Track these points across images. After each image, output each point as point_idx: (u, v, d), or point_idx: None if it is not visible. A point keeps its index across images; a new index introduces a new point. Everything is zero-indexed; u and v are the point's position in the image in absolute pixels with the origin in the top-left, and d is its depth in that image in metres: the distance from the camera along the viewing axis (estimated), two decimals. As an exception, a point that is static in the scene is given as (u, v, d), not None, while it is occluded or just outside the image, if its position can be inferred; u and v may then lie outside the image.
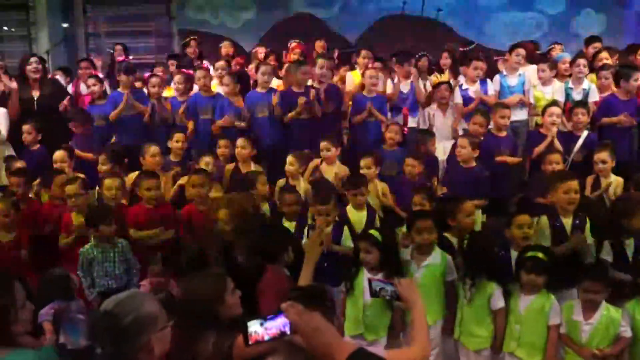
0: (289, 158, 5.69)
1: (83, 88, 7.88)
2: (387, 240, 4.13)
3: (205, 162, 5.79)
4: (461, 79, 7.43)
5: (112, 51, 9.07)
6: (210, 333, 2.72)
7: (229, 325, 2.82)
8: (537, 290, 3.91)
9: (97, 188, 5.64)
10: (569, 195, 4.53)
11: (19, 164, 5.99)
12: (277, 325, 1.95)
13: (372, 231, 4.19)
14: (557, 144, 5.92)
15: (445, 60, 7.67)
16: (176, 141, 6.17)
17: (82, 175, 5.60)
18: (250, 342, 1.96)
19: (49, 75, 7.69)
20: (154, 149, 5.83)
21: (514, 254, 4.18)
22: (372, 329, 4.09)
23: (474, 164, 5.59)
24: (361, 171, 5.54)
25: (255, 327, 1.95)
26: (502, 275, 4.04)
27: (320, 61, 6.64)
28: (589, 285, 3.82)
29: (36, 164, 6.13)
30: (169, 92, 7.12)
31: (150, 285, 4.33)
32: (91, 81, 6.98)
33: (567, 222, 4.54)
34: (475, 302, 4.01)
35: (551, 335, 3.90)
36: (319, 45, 8.16)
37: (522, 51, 7.09)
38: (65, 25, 10.48)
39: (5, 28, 10.22)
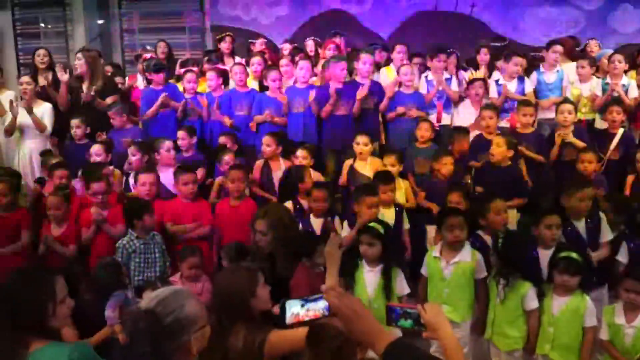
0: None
1: (139, 83, 8.01)
2: (389, 233, 4.13)
3: (226, 160, 5.84)
4: (495, 75, 7.37)
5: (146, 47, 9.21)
6: (241, 327, 2.74)
7: (259, 319, 2.85)
8: (571, 291, 3.85)
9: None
10: (584, 203, 4.50)
11: (57, 158, 6.10)
12: (317, 307, 1.95)
13: (373, 224, 4.15)
14: (572, 139, 5.86)
15: (484, 56, 7.57)
16: (182, 138, 6.24)
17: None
18: (288, 322, 1.96)
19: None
20: (168, 143, 5.93)
21: (541, 253, 4.14)
22: (383, 322, 4.06)
23: (508, 162, 5.55)
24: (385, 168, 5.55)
25: (295, 309, 1.96)
26: (534, 275, 4.00)
27: (363, 56, 6.61)
28: (630, 285, 3.73)
29: (81, 157, 6.21)
30: (203, 88, 7.16)
31: (182, 279, 4.39)
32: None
33: (580, 225, 4.53)
34: (508, 302, 3.97)
35: (587, 337, 3.82)
36: (337, 41, 8.13)
37: (560, 48, 7.01)
38: (100, 21, 10.61)
39: (43, 25, 10.38)
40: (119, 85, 7.66)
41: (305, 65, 6.64)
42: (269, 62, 7.57)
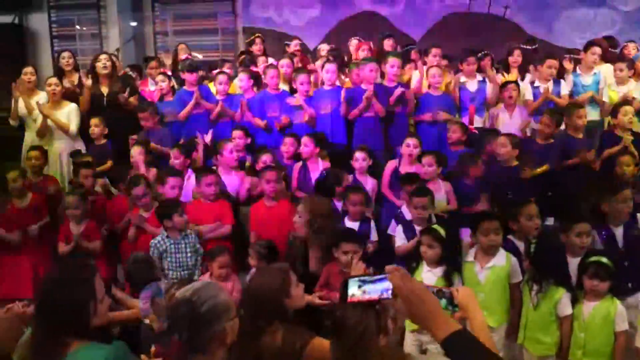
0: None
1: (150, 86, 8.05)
2: (450, 236, 4.10)
3: (264, 160, 5.86)
4: (528, 77, 7.29)
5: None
6: (277, 327, 2.76)
7: (295, 319, 2.89)
8: (601, 296, 3.78)
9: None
10: (625, 205, 4.45)
11: (87, 157, 6.20)
12: (376, 289, 1.90)
13: (435, 226, 4.17)
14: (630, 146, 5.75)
15: (517, 58, 7.48)
16: (238, 138, 6.27)
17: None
18: (348, 301, 1.93)
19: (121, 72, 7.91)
20: (230, 145, 5.95)
21: (569, 260, 4.06)
22: None
23: (515, 163, 5.49)
24: (422, 169, 5.52)
25: (352, 289, 1.92)
26: (567, 281, 3.93)
27: (391, 59, 6.58)
28: None
29: (100, 157, 6.33)
30: (234, 90, 7.20)
31: (212, 279, 4.41)
32: (160, 78, 7.13)
33: (618, 231, 4.46)
34: (542, 308, 3.91)
35: (618, 342, 3.76)
36: (388, 43, 8.08)
37: (597, 49, 6.90)
38: (134, 23, 10.73)
39: (78, 27, 10.53)
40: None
41: (332, 67, 6.64)
42: (299, 65, 7.57)
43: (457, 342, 1.76)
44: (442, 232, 4.07)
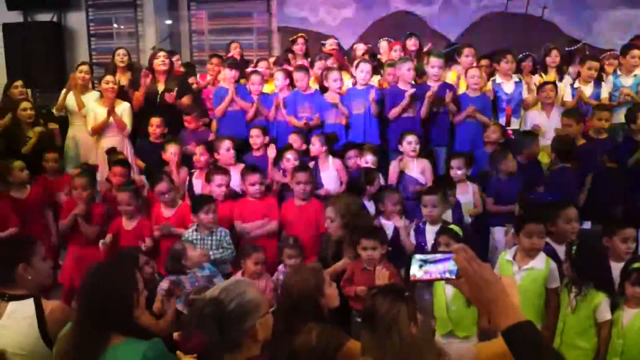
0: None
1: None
2: (468, 235, 4.06)
3: (287, 157, 5.88)
4: (567, 78, 7.18)
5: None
6: (313, 326, 2.77)
7: (329, 318, 2.91)
8: (643, 304, 3.69)
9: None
10: None
11: (122, 155, 6.27)
12: (438, 269, 1.84)
13: (452, 226, 4.14)
14: None
15: (555, 58, 7.38)
16: (255, 137, 6.31)
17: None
18: (410, 280, 1.89)
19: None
20: (227, 143, 5.99)
21: (612, 265, 3.98)
22: (462, 325, 4.00)
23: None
24: (451, 171, 5.50)
25: (413, 268, 1.87)
26: (608, 286, 3.85)
27: (432, 59, 6.54)
28: None
29: (157, 155, 6.36)
30: (270, 88, 7.21)
31: (244, 276, 4.42)
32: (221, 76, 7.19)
33: None
34: (580, 312, 3.84)
35: (657, 351, 3.66)
36: (410, 43, 8.05)
37: (637, 52, 6.76)
38: (170, 22, 10.82)
39: (115, 25, 10.65)
40: (193, 86, 7.78)
41: (367, 67, 6.61)
42: (334, 65, 7.56)
43: (520, 334, 1.70)
44: (459, 231, 4.04)
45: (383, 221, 5.05)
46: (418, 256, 1.88)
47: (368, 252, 4.05)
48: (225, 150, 5.97)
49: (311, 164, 5.97)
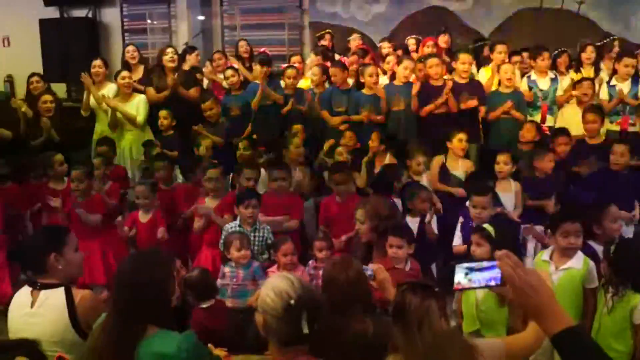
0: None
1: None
2: (501, 235, 4.00)
3: (340, 152, 5.95)
4: (602, 75, 7.07)
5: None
6: (362, 315, 2.79)
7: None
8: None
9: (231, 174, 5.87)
10: None
11: (158, 148, 6.33)
12: (483, 277, 1.83)
13: (485, 225, 4.08)
14: None
15: (590, 55, 7.26)
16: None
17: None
18: (454, 288, 1.89)
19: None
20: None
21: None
22: (489, 325, 3.94)
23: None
24: (497, 167, 5.44)
25: (459, 276, 1.86)
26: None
27: (462, 56, 6.48)
28: None
29: (167, 148, 6.47)
30: (305, 84, 7.22)
31: (280, 269, 4.42)
32: (229, 72, 7.21)
33: None
34: (616, 313, 3.75)
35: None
36: (443, 39, 7.98)
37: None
38: (202, 18, 10.89)
39: (149, 21, 10.76)
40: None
41: (410, 64, 6.58)
42: (368, 61, 7.55)
43: (569, 340, 1.68)
44: (491, 231, 3.98)
45: (409, 219, 5.01)
46: (463, 264, 1.87)
47: (393, 249, 4.03)
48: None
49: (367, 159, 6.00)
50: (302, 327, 2.29)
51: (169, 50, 7.45)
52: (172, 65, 7.30)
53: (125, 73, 7.19)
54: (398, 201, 5.20)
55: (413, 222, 4.98)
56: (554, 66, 7.15)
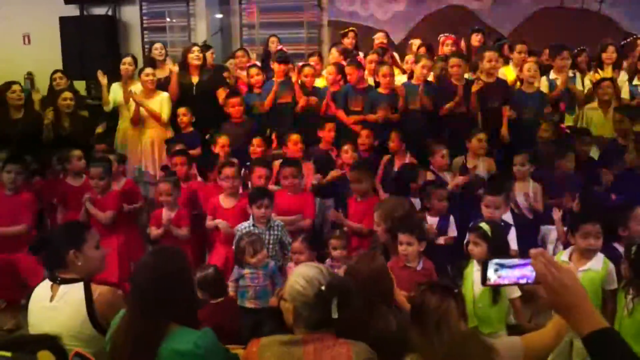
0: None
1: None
2: (497, 234, 3.96)
3: (345, 149, 5.90)
4: (622, 74, 6.99)
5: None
6: (384, 310, 2.80)
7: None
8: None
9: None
10: None
11: (179, 146, 6.35)
12: (513, 274, 1.82)
13: (482, 224, 4.03)
14: None
15: (611, 54, 7.18)
16: (328, 130, 6.29)
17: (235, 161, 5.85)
18: (485, 285, 1.89)
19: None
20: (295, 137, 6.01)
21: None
22: (487, 322, 3.91)
23: None
24: (515, 168, 5.40)
25: (489, 272, 1.85)
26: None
27: (488, 54, 6.45)
28: None
29: (187, 146, 6.43)
30: (322, 82, 7.22)
31: (295, 264, 4.41)
32: (254, 71, 7.21)
33: None
34: (636, 315, 3.69)
35: None
36: (476, 39, 7.90)
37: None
38: (221, 16, 10.92)
39: (168, 19, 10.81)
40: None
41: (428, 64, 6.57)
42: (385, 58, 7.51)
43: (602, 341, 1.65)
44: (488, 229, 3.93)
45: (428, 218, 4.98)
46: (494, 260, 1.86)
47: (403, 246, 4.00)
48: (293, 144, 6.00)
49: (386, 158, 5.98)
50: (332, 312, 2.35)
51: (195, 48, 7.46)
52: (198, 63, 7.32)
53: (149, 70, 7.22)
54: (416, 201, 5.18)
55: (432, 222, 4.96)
56: (573, 65, 7.08)
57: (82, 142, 6.42)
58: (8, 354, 1.77)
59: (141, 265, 2.65)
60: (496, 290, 3.82)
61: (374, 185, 5.56)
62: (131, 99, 7.02)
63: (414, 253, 4.01)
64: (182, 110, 6.91)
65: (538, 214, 5.43)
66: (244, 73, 7.59)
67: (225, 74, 7.82)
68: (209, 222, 5.24)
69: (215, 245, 5.29)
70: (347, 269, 3.09)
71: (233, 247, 4.58)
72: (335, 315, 2.35)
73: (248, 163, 5.96)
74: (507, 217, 4.95)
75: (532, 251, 1.79)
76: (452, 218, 5.08)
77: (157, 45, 7.96)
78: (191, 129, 6.92)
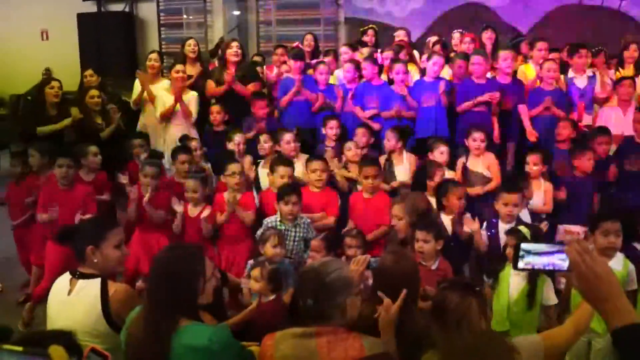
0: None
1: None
2: (537, 237, 3.91)
3: (348, 147, 5.86)
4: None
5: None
6: (411, 307, 2.79)
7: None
8: None
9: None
10: None
11: (194, 142, 6.35)
12: (543, 262, 1.80)
13: (521, 227, 3.98)
14: None
15: (633, 53, 7.09)
16: (330, 128, 6.28)
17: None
18: (517, 268, 1.86)
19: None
20: (288, 135, 5.98)
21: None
22: (519, 327, 3.85)
23: None
24: (526, 167, 5.35)
25: (525, 257, 1.82)
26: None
27: (502, 53, 6.39)
28: None
29: (218, 143, 6.42)
30: (336, 79, 7.19)
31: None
32: (285, 68, 7.18)
33: None
34: (657, 316, 3.67)
35: None
36: (486, 36, 7.84)
37: None
38: (238, 12, 10.93)
39: (185, 16, 10.85)
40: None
41: (440, 60, 6.51)
42: (407, 56, 7.47)
43: (633, 336, 1.58)
44: (527, 233, 3.87)
45: (443, 217, 4.93)
46: (524, 245, 1.83)
47: (420, 243, 3.95)
48: (286, 143, 5.93)
49: (383, 158, 5.90)
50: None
51: (234, 44, 7.34)
52: (236, 59, 7.24)
53: (179, 66, 7.17)
54: (432, 200, 5.13)
55: (448, 220, 4.92)
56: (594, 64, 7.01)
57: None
58: (19, 348, 1.76)
59: (155, 260, 2.65)
60: (532, 296, 3.77)
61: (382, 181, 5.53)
62: (159, 96, 7.02)
63: (430, 251, 3.96)
64: (215, 108, 6.82)
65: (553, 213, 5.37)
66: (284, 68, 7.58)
67: (259, 69, 7.81)
68: (218, 217, 5.21)
69: (220, 244, 5.25)
70: (377, 267, 3.07)
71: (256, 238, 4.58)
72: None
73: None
74: (525, 215, 4.89)
75: (567, 237, 1.76)
76: (467, 216, 5.02)
77: (191, 41, 7.76)
78: (223, 127, 6.82)
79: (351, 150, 5.86)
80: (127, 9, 10.71)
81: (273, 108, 7.13)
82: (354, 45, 7.99)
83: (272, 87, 7.59)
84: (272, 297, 3.77)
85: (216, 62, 7.75)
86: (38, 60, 10.40)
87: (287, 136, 5.97)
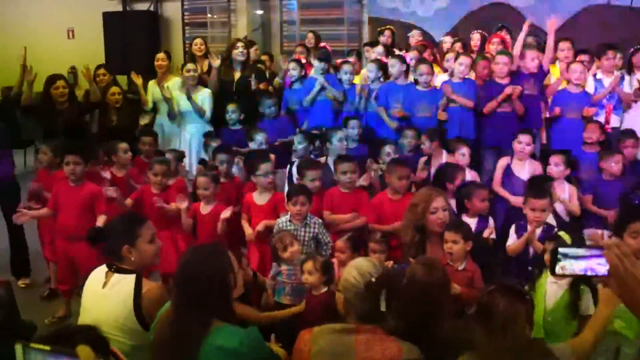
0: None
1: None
2: (576, 242, 3.84)
3: (387, 152, 5.81)
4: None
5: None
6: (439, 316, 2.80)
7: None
8: None
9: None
10: None
11: (216, 142, 6.36)
12: (580, 266, 1.72)
13: (561, 233, 3.91)
14: None
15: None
16: (352, 128, 6.26)
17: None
18: (555, 273, 1.79)
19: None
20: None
21: None
22: (555, 336, 3.79)
23: None
24: (549, 168, 5.28)
25: (563, 261, 1.75)
26: None
27: (528, 53, 6.33)
28: None
29: (234, 142, 6.42)
30: (360, 79, 7.17)
31: (337, 262, 4.37)
32: (292, 65, 7.21)
33: None
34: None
35: None
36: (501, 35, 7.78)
37: None
38: (261, 12, 10.95)
39: (209, 15, 10.89)
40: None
41: (466, 61, 6.46)
42: (425, 55, 7.44)
43: None
44: (568, 239, 3.75)
45: (465, 219, 4.88)
46: (561, 249, 1.76)
47: (449, 244, 3.91)
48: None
49: (423, 158, 5.83)
50: (381, 305, 2.46)
51: (239, 44, 7.43)
52: (242, 59, 7.32)
53: (190, 65, 7.25)
54: (452, 202, 5.09)
55: (470, 223, 4.86)
56: (630, 65, 6.88)
57: (128, 134, 6.52)
58: (47, 347, 1.78)
59: (181, 261, 2.65)
60: (574, 306, 3.66)
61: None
62: (171, 94, 7.06)
63: (459, 252, 3.91)
64: (231, 107, 6.85)
65: (577, 217, 5.30)
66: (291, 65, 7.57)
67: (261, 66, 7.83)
68: (243, 222, 5.23)
69: (249, 244, 5.26)
70: (408, 272, 3.05)
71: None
72: (383, 308, 2.45)
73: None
74: (550, 219, 4.82)
75: (607, 241, 1.71)
76: (491, 220, 4.96)
77: (197, 40, 8.00)
78: (239, 126, 6.86)
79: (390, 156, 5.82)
80: (152, 8, 10.77)
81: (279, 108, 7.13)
82: (374, 44, 7.98)
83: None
84: (324, 289, 3.78)
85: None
86: (64, 59, 10.47)
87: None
